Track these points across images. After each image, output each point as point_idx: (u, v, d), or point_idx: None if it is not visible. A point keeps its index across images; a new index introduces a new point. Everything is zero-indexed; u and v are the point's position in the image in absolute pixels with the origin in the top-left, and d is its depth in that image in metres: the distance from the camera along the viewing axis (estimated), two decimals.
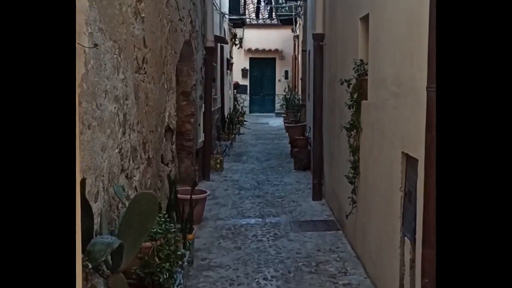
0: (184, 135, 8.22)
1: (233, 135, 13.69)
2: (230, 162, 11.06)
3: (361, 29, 5.03)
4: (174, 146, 6.35)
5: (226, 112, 15.60)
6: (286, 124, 12.34)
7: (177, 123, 8.13)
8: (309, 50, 10.75)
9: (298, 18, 13.89)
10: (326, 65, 7.30)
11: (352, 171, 5.11)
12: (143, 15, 4.62)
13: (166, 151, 5.93)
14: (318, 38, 7.34)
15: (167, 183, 5.96)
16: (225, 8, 15.17)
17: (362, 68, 4.87)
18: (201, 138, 8.81)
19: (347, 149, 5.37)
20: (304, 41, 12.06)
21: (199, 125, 8.50)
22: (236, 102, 22.00)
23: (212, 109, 12.02)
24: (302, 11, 12.22)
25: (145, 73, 4.76)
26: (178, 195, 6.18)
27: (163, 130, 5.81)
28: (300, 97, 13.23)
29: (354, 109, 5.05)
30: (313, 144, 7.75)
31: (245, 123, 17.34)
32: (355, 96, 5.05)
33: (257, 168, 10.42)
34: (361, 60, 4.92)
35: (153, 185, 5.25)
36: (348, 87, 5.13)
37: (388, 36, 3.93)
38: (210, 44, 8.82)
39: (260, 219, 6.66)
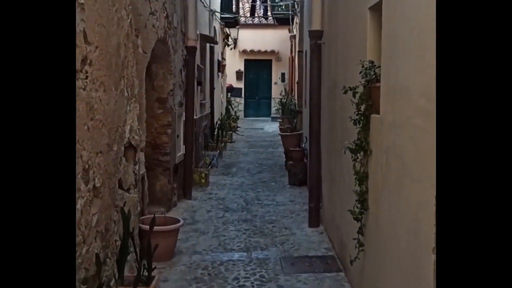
0: (160, 149, 7.07)
1: (223, 144, 12.53)
2: (218, 175, 9.91)
3: (371, 21, 3.90)
4: (139, 167, 5.19)
5: (217, 118, 14.46)
6: (280, 133, 11.17)
7: (152, 134, 7.01)
8: (305, 51, 9.63)
9: (295, 16, 12.75)
10: (325, 68, 6.17)
11: (359, 205, 3.97)
12: (82, 1, 3.48)
13: (127, 174, 4.78)
14: (316, 36, 6.21)
15: (133, 210, 4.83)
16: (216, 6, 14.04)
17: (372, 72, 3.73)
18: (181, 151, 7.66)
19: (350, 173, 4.23)
20: (301, 41, 10.94)
21: (178, 136, 7.35)
22: (230, 106, 20.92)
23: (199, 115, 10.91)
24: (299, 8, 11.09)
25: (86, 78, 3.61)
26: (141, 226, 5.06)
27: (122, 148, 4.66)
28: (297, 102, 12.07)
29: (361, 125, 3.91)
30: (310, 161, 6.61)
31: (238, 129, 16.20)
32: (362, 108, 3.92)
33: (247, 183, 9.27)
34: (371, 62, 3.78)
35: (104, 220, 4.10)
36: (354, 96, 3.99)
37: (412, 29, 2.79)
38: (192, 43, 7.68)
39: (245, 254, 5.51)
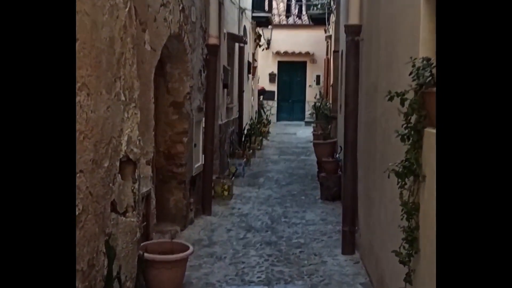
0: (175, 159, 6.29)
1: (251, 151, 11.69)
2: (243, 186, 9.09)
3: (425, 7, 3.00)
4: (138, 185, 4.39)
5: (246, 123, 13.67)
6: (313, 141, 10.26)
7: (166, 143, 6.26)
8: (341, 51, 8.72)
9: (332, 15, 11.83)
10: (363, 68, 5.27)
11: (406, 246, 3.06)
12: None
13: (122, 195, 3.99)
14: (353, 31, 5.31)
15: (130, 237, 4.06)
16: (247, 4, 13.24)
17: (428, 74, 2.83)
18: (200, 161, 6.86)
19: (394, 200, 3.34)
20: (337, 41, 10.01)
21: (195, 145, 6.55)
22: (262, 109, 20.13)
23: (225, 120, 10.14)
24: (335, 4, 10.16)
25: None
26: (146, 255, 4.28)
27: (117, 164, 3.87)
28: (331, 106, 11.12)
29: (410, 141, 3.01)
30: (344, 176, 5.70)
31: (268, 134, 15.35)
32: (412, 120, 3.01)
33: (274, 196, 8.41)
34: (426, 60, 2.88)
35: (88, 255, 3.31)
36: (402, 104, 3.08)
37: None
38: (213, 41, 6.87)
39: None
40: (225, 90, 10.17)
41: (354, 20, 5.31)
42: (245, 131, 12.09)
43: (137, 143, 4.25)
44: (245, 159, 10.40)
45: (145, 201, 4.92)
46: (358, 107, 5.37)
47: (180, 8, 5.73)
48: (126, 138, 4.03)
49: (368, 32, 5.04)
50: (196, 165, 6.63)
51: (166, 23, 5.24)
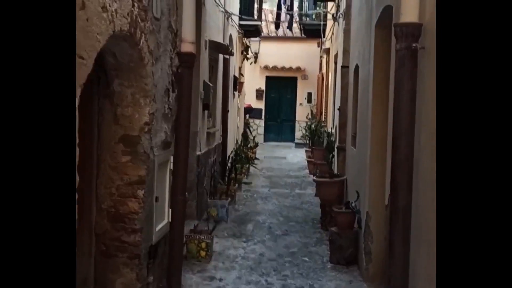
0: (125, 222, 4.17)
1: (236, 185, 9.61)
2: (226, 238, 7.00)
3: None
4: None
5: (231, 149, 11.63)
6: (315, 178, 8.21)
7: (112, 198, 4.17)
8: (357, 65, 6.75)
9: (338, 19, 9.85)
10: (425, 93, 3.26)
11: None
12: None
13: None
14: (407, 35, 3.30)
15: None
16: (234, 10, 11.24)
17: None
18: (165, 219, 4.76)
19: None
20: (346, 53, 8.02)
21: (157, 199, 4.44)
22: (248, 129, 18.11)
23: (205, 150, 8.12)
24: (344, 6, 8.16)
25: None
26: None
27: None
28: (336, 132, 9.03)
29: None
30: (391, 260, 3.59)
31: (256, 161, 13.29)
32: None
33: (268, 256, 6.32)
34: None
35: None
36: None
37: None
38: (188, 48, 4.80)
39: None
40: (206, 112, 8.14)
41: (410, 15, 3.30)
42: (230, 161, 9.99)
43: None
44: (229, 199, 8.30)
45: None
46: (413, 153, 3.35)
47: None
48: None
49: (436, 35, 3.02)
50: (158, 228, 4.53)
51: (107, 14, 3.18)
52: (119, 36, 3.53)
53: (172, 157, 4.88)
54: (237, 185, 9.56)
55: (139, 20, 3.81)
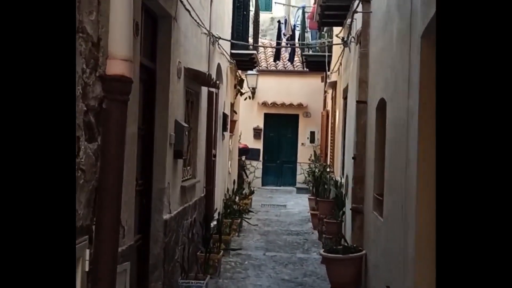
0: None
1: (222, 251, 7.55)
2: None
3: None
4: None
5: (219, 203, 9.60)
6: (323, 252, 6.15)
7: None
8: (382, 99, 4.82)
9: (349, 44, 7.98)
10: None
11: None
12: None
13: None
14: None
15: None
16: (223, 33, 9.42)
17: None
18: None
19: None
20: (363, 85, 6.10)
21: None
22: (244, 172, 16.16)
23: (178, 210, 6.20)
24: (361, 27, 6.26)
25: None
26: None
27: None
28: (354, 188, 6.97)
29: None
30: None
31: (250, 213, 11.25)
32: None
33: None
34: None
35: None
36: None
37: None
38: (117, 68, 2.89)
39: None
40: (178, 160, 6.19)
41: None
42: (216, 220, 7.95)
43: None
44: (207, 277, 6.23)
45: None
46: None
47: None
48: None
49: None
50: None
51: None
52: None
53: (87, 252, 2.90)
54: (222, 252, 7.51)
55: None
